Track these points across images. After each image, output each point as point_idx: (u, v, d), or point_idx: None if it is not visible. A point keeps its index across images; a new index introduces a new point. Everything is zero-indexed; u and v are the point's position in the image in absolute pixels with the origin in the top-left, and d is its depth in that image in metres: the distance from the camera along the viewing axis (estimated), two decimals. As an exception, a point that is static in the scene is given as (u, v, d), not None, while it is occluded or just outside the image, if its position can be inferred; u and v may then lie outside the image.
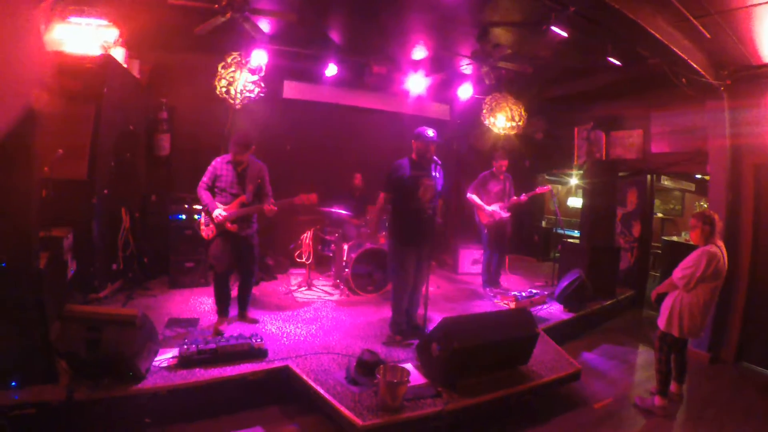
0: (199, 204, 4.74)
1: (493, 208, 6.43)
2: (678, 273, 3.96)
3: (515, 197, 6.54)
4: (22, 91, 2.82)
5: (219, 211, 4.44)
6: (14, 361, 3.10)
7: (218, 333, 4.38)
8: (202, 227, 4.63)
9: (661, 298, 4.19)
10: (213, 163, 4.62)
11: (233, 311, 4.89)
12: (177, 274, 6.00)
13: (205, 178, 4.58)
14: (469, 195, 6.59)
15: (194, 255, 5.99)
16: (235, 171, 4.58)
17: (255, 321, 4.88)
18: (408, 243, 4.53)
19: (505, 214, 6.49)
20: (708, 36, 4.52)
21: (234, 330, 4.47)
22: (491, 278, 6.70)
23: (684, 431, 3.89)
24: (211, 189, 4.58)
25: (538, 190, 6.72)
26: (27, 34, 2.83)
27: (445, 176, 4.71)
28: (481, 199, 6.51)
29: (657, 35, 4.25)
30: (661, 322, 4.09)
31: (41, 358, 3.18)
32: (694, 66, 4.83)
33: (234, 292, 4.90)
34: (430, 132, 4.54)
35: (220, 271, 4.63)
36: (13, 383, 3.07)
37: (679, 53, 4.57)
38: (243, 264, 4.79)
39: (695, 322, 3.91)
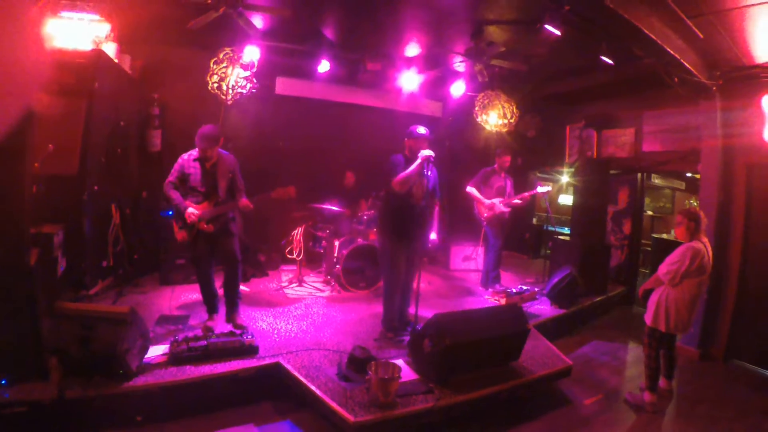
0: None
1: (493, 201, 6.44)
2: (663, 268, 4.01)
3: (516, 198, 6.49)
4: (21, 91, 2.78)
5: (191, 210, 4.24)
6: (4, 358, 3.07)
7: (208, 330, 4.31)
8: (177, 230, 4.40)
9: (647, 294, 4.24)
10: (179, 160, 4.38)
11: (223, 309, 4.75)
12: (168, 271, 5.97)
13: (171, 177, 4.33)
14: (468, 189, 6.57)
15: (185, 252, 5.81)
16: (204, 168, 4.36)
17: (242, 327, 4.44)
18: (399, 239, 4.52)
19: (505, 209, 6.48)
20: (701, 36, 4.54)
21: (225, 327, 4.45)
22: (497, 276, 6.68)
23: (675, 427, 3.93)
24: (179, 188, 4.34)
25: (538, 189, 6.57)
26: (26, 34, 2.80)
27: (438, 173, 4.70)
28: (482, 195, 6.51)
29: (651, 35, 4.27)
30: (648, 318, 4.14)
31: (32, 356, 3.16)
32: (687, 66, 4.86)
33: (221, 291, 4.72)
34: (422, 129, 4.54)
35: (202, 271, 4.50)
36: (4, 381, 3.04)
37: (673, 53, 4.59)
38: (225, 259, 4.53)
39: (682, 317, 3.96)
